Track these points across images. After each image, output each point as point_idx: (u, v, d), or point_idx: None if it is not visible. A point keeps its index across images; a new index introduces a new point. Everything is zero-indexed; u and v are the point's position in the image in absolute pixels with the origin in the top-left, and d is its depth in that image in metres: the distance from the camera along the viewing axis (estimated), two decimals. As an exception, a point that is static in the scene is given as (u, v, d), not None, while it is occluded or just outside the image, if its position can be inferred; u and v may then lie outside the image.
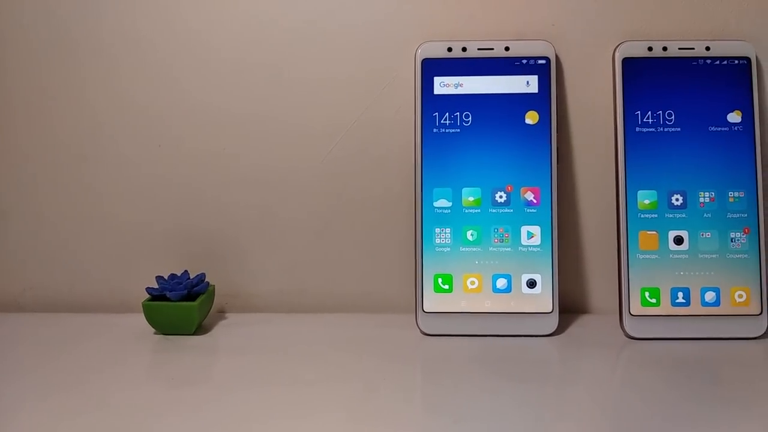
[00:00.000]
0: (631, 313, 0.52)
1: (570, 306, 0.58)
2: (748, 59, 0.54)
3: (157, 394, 0.44)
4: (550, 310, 0.53)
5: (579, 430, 0.40)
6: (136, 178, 0.59)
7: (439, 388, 0.46)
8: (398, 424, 0.41)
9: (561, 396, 0.45)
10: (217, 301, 0.59)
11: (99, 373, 0.47)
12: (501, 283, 0.54)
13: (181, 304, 0.52)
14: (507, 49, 0.54)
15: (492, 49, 0.55)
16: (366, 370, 0.47)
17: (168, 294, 0.52)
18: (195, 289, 0.54)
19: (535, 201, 0.54)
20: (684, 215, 0.53)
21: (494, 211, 0.54)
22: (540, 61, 0.54)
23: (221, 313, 0.59)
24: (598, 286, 0.58)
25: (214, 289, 0.57)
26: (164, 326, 0.53)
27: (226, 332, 0.55)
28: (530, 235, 0.54)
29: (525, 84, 0.54)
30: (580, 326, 0.55)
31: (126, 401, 0.43)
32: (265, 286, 0.59)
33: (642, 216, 0.53)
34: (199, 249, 0.59)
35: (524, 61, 0.54)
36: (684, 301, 0.53)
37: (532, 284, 0.54)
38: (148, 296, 0.54)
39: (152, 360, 0.50)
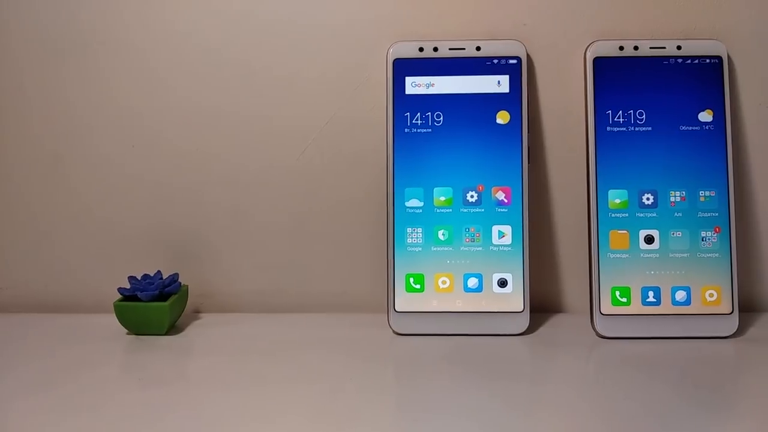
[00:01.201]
0: (602, 312, 0.52)
1: (543, 305, 0.58)
2: (719, 58, 0.54)
3: (124, 395, 0.44)
4: (521, 310, 0.53)
5: (547, 428, 0.40)
6: (111, 177, 0.59)
7: (407, 388, 0.46)
8: (361, 425, 0.41)
9: (531, 395, 0.45)
10: (192, 300, 0.59)
11: (67, 374, 0.47)
12: (472, 282, 0.54)
13: (152, 304, 0.52)
14: (478, 48, 0.54)
15: (463, 49, 0.55)
16: (334, 371, 0.47)
17: (139, 294, 0.53)
18: (167, 289, 0.54)
19: (506, 201, 0.54)
20: (655, 214, 0.53)
21: (465, 210, 0.54)
22: (511, 61, 0.54)
23: (196, 313, 0.59)
24: (571, 286, 0.58)
25: (187, 289, 0.57)
26: (136, 326, 0.53)
27: (198, 332, 0.55)
28: (501, 235, 0.54)
29: (496, 84, 0.54)
30: (551, 325, 0.55)
31: (93, 402, 0.43)
32: (240, 286, 0.60)
33: (613, 215, 0.53)
34: (174, 249, 0.59)
35: (495, 61, 0.54)
36: (655, 300, 0.53)
37: (503, 283, 0.54)
38: (120, 296, 0.54)
39: (121, 360, 0.50)
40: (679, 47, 0.54)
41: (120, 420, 0.41)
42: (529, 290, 0.55)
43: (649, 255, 0.53)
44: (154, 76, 0.58)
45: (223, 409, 0.42)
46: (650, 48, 0.54)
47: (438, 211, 0.54)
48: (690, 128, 0.53)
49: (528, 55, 0.55)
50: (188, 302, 0.59)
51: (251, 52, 0.57)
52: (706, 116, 0.53)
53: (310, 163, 0.58)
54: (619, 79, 0.54)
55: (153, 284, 0.53)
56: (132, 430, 0.40)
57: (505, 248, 0.54)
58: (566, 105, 0.56)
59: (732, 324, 0.52)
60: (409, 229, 0.54)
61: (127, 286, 0.54)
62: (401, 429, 0.41)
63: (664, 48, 0.54)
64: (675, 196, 0.53)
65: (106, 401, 0.43)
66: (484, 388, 0.45)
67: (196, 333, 0.55)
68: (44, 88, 0.59)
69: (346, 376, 0.47)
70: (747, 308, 0.57)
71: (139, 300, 0.53)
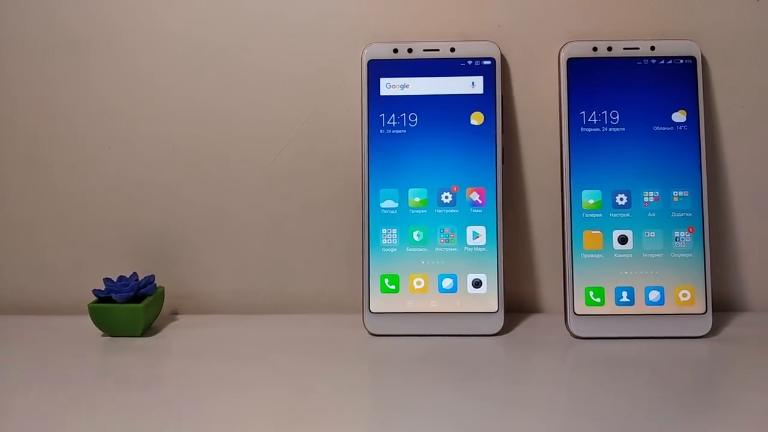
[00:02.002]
0: (576, 312, 0.53)
1: (520, 306, 0.58)
2: (693, 59, 0.54)
3: (95, 396, 0.44)
4: (496, 310, 0.53)
5: (520, 428, 0.40)
6: (88, 178, 0.59)
7: (380, 388, 0.47)
8: (328, 427, 0.41)
9: (505, 395, 0.45)
10: (170, 302, 0.59)
11: (40, 375, 0.47)
12: (447, 283, 0.54)
13: (126, 306, 0.52)
14: (452, 50, 0.55)
15: (437, 50, 0.55)
16: (306, 372, 0.48)
17: (113, 296, 0.53)
18: (142, 290, 0.54)
19: (480, 201, 0.54)
20: (628, 215, 0.53)
21: (440, 211, 0.54)
22: (485, 62, 0.54)
23: (174, 315, 0.59)
24: (548, 286, 0.58)
25: (163, 290, 0.57)
26: (111, 328, 0.53)
27: (174, 334, 0.55)
28: (476, 236, 0.54)
29: (470, 85, 0.54)
30: (526, 326, 0.56)
31: (65, 403, 0.43)
32: (218, 287, 0.60)
33: (586, 216, 0.53)
34: (152, 250, 0.59)
35: (469, 62, 0.55)
36: (628, 300, 0.53)
37: (477, 284, 0.54)
38: (95, 298, 0.54)
39: (94, 362, 0.51)
40: (652, 48, 0.54)
41: (91, 421, 0.41)
42: (506, 290, 0.55)
43: (623, 255, 0.53)
44: (130, 78, 0.58)
45: (191, 411, 0.42)
46: (624, 49, 0.54)
47: (413, 212, 0.54)
48: (664, 129, 0.54)
49: (502, 56, 0.55)
50: (166, 304, 0.59)
51: (227, 54, 0.57)
52: (679, 116, 0.54)
53: (286, 164, 0.58)
54: (592, 80, 0.54)
55: (128, 286, 0.53)
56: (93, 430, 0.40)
57: (480, 249, 0.54)
58: (541, 106, 0.56)
59: (706, 324, 0.52)
60: (384, 230, 0.54)
61: (103, 287, 0.54)
62: (370, 430, 0.41)
63: (638, 49, 0.54)
64: (648, 197, 0.53)
65: (78, 402, 0.43)
66: (458, 388, 0.45)
67: (171, 335, 0.55)
68: (23, 88, 0.59)
69: (317, 378, 0.47)
70: (722, 308, 0.57)
71: (113, 302, 0.53)
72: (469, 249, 0.54)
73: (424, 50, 0.55)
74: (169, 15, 0.57)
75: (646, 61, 0.54)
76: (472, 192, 0.54)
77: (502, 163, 0.54)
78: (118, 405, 0.43)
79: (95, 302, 0.53)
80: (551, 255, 0.57)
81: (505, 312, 0.55)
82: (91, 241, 0.60)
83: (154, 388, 0.46)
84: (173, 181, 0.59)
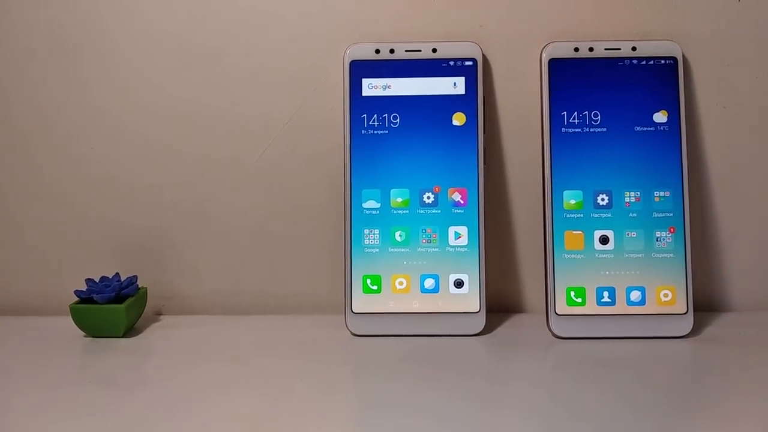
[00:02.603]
0: (557, 312, 0.53)
1: (504, 306, 0.58)
2: (674, 59, 0.54)
3: (73, 396, 0.44)
4: (477, 310, 0.53)
5: (500, 427, 0.40)
6: (71, 179, 0.59)
7: (361, 388, 0.47)
8: (305, 427, 0.41)
9: (486, 394, 0.45)
10: (154, 303, 0.59)
11: (20, 376, 0.47)
12: (429, 283, 0.54)
13: (107, 306, 0.52)
14: (434, 50, 0.55)
15: (419, 50, 0.55)
16: (287, 372, 0.48)
17: (95, 297, 0.53)
18: (124, 291, 0.54)
19: (462, 202, 0.54)
20: (609, 215, 0.53)
21: (422, 211, 0.54)
22: (467, 63, 0.55)
23: (157, 315, 0.59)
24: (531, 286, 0.58)
25: (146, 291, 0.57)
26: (92, 329, 0.53)
27: (156, 335, 0.55)
28: (458, 236, 0.54)
29: (452, 85, 0.55)
30: (508, 326, 0.56)
31: (44, 403, 0.43)
32: (201, 288, 0.60)
33: (567, 216, 0.53)
34: (135, 251, 0.59)
35: (451, 63, 0.55)
36: (609, 300, 0.53)
37: (459, 284, 0.54)
38: (77, 299, 0.54)
39: (75, 362, 0.50)
40: (634, 48, 0.54)
41: (69, 421, 0.41)
42: (489, 291, 0.56)
43: (604, 255, 0.53)
44: (114, 78, 0.58)
45: (170, 411, 0.42)
46: (605, 49, 0.54)
47: (395, 212, 0.54)
48: (645, 129, 0.54)
49: (484, 57, 0.55)
50: (150, 304, 0.59)
51: (211, 54, 0.57)
52: (661, 117, 0.54)
53: (270, 164, 0.58)
54: (574, 81, 0.54)
55: (109, 287, 0.53)
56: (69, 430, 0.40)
57: (462, 249, 0.54)
58: (523, 106, 0.56)
59: (687, 324, 0.52)
60: (366, 231, 0.54)
61: (85, 288, 0.54)
62: (349, 430, 0.41)
63: (619, 49, 0.54)
64: (630, 197, 0.53)
65: (58, 403, 0.43)
66: (438, 388, 0.45)
67: (153, 335, 0.55)
68: (8, 88, 0.59)
69: (297, 378, 0.47)
70: (705, 308, 0.57)
71: (95, 302, 0.53)
72: (451, 249, 0.54)
73: (406, 51, 0.55)
74: (153, 16, 0.57)
75: (627, 62, 0.54)
76: (454, 192, 0.54)
77: (484, 163, 0.54)
78: (97, 405, 0.43)
79: (77, 303, 0.53)
80: (534, 255, 0.57)
81: (489, 312, 0.56)
82: (75, 241, 0.60)
83: (133, 388, 0.46)
84: (157, 181, 0.59)
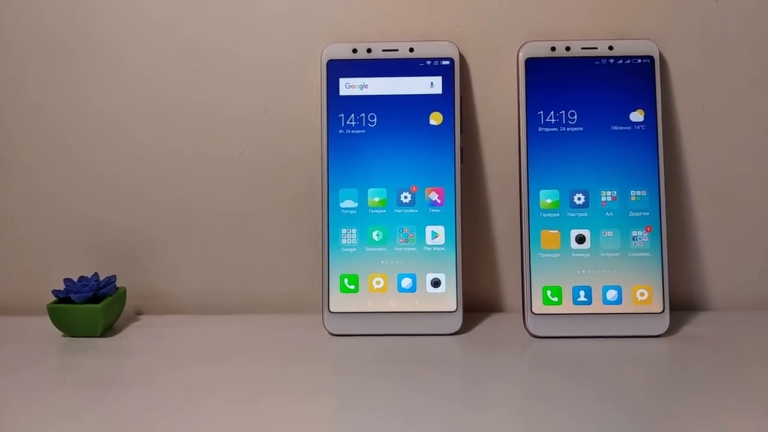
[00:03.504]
0: (533, 311, 0.53)
1: (483, 305, 0.59)
2: (651, 58, 0.54)
3: (48, 396, 0.45)
4: (454, 309, 0.54)
5: (474, 426, 0.41)
6: (50, 179, 0.59)
7: (336, 388, 0.47)
8: (276, 427, 0.41)
9: (461, 393, 0.45)
10: (135, 302, 0.59)
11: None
12: (406, 282, 0.54)
13: (84, 306, 0.53)
14: (411, 50, 0.55)
15: (396, 50, 0.55)
16: (261, 372, 0.48)
17: (72, 296, 0.53)
18: (101, 291, 0.54)
19: (439, 201, 0.54)
20: (586, 214, 0.53)
21: (399, 211, 0.54)
22: (444, 62, 0.55)
23: (137, 315, 0.60)
24: (510, 285, 0.58)
25: (125, 291, 0.57)
26: (70, 329, 0.53)
27: (135, 334, 0.55)
28: (434, 235, 0.54)
29: (429, 85, 0.55)
30: (486, 325, 0.56)
31: (17, 402, 0.44)
32: (182, 288, 0.60)
33: (544, 215, 0.53)
34: (115, 251, 0.59)
35: (428, 62, 0.55)
36: (586, 299, 0.53)
37: (436, 283, 0.54)
38: (55, 298, 0.54)
39: (51, 362, 0.51)
40: (611, 47, 0.54)
41: (44, 420, 0.41)
42: (468, 290, 0.56)
43: (581, 254, 0.53)
44: (92, 79, 0.58)
45: (143, 411, 0.42)
46: (582, 48, 0.54)
47: (372, 211, 0.54)
48: (621, 128, 0.54)
49: (461, 56, 0.55)
50: (130, 304, 0.59)
51: (189, 54, 0.57)
52: (637, 116, 0.54)
53: (249, 164, 0.58)
54: (550, 80, 0.54)
55: (87, 286, 0.54)
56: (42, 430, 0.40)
57: (439, 248, 0.54)
58: (500, 105, 0.56)
59: (663, 323, 0.53)
60: (343, 230, 0.54)
61: (63, 288, 0.54)
62: (321, 430, 0.41)
63: (596, 48, 0.54)
64: (606, 196, 0.53)
65: (31, 402, 0.44)
66: (413, 387, 0.45)
67: (132, 335, 0.55)
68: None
69: (271, 378, 0.47)
70: (684, 307, 0.58)
71: (73, 302, 0.53)
72: (428, 249, 0.54)
73: (383, 50, 0.55)
74: (131, 16, 0.57)
75: (604, 61, 0.54)
76: (431, 192, 0.54)
77: (461, 163, 0.54)
78: (72, 405, 0.43)
79: (54, 303, 0.53)
80: (512, 254, 0.57)
81: (468, 311, 0.56)
82: (55, 241, 0.60)
83: (108, 388, 0.46)
84: (137, 181, 0.59)
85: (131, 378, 0.48)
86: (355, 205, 0.54)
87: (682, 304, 0.58)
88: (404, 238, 0.54)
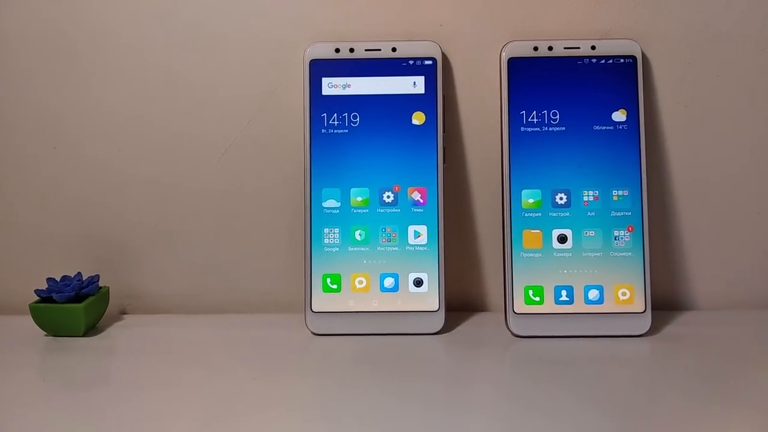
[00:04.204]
0: (515, 311, 0.53)
1: (467, 305, 0.59)
2: (633, 58, 0.54)
3: (26, 395, 0.45)
4: (437, 309, 0.54)
5: (454, 425, 0.41)
6: (34, 179, 0.59)
7: (315, 388, 0.47)
8: (250, 427, 0.41)
9: (442, 392, 0.45)
10: (119, 302, 0.59)
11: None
12: (388, 282, 0.54)
13: (66, 306, 0.53)
14: (394, 49, 0.55)
15: (379, 50, 0.55)
16: (242, 372, 0.48)
17: (54, 296, 0.53)
18: (84, 290, 0.54)
19: (421, 201, 0.54)
20: (568, 214, 0.53)
21: (382, 211, 0.54)
22: (426, 62, 0.55)
23: (121, 315, 0.60)
24: (493, 285, 0.58)
25: (108, 290, 0.57)
26: (52, 328, 0.53)
27: (118, 334, 0.55)
28: (417, 235, 0.54)
29: (412, 85, 0.55)
30: (468, 325, 0.56)
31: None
32: (166, 287, 0.60)
33: (526, 215, 0.53)
34: (100, 250, 0.59)
35: (411, 62, 0.55)
36: (568, 299, 0.53)
37: (418, 283, 0.54)
38: (38, 298, 0.54)
39: (33, 361, 0.51)
40: (593, 47, 0.54)
41: (21, 420, 0.41)
42: (452, 290, 0.56)
43: (562, 254, 0.53)
44: (75, 81, 0.58)
45: (118, 410, 0.42)
46: (565, 48, 0.54)
47: (355, 211, 0.54)
48: (604, 128, 0.54)
49: (444, 56, 0.55)
50: (115, 304, 0.59)
51: (171, 54, 0.57)
52: (619, 116, 0.54)
53: (232, 164, 0.58)
54: (533, 80, 0.54)
55: (69, 286, 0.54)
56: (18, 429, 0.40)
57: (421, 248, 0.54)
58: (483, 105, 0.56)
59: (645, 323, 0.53)
60: (326, 230, 0.54)
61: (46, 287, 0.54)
62: (297, 430, 0.41)
63: (579, 48, 0.54)
64: (588, 196, 0.53)
65: (6, 402, 0.44)
66: (394, 387, 0.45)
67: (115, 334, 0.55)
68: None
69: (250, 377, 0.47)
70: (667, 307, 0.58)
71: (55, 302, 0.53)
72: (411, 248, 0.54)
73: (366, 50, 0.55)
74: (112, 17, 0.57)
75: (586, 61, 0.54)
76: (413, 191, 0.54)
77: (444, 162, 0.54)
78: (52, 404, 0.43)
79: (36, 302, 0.53)
80: (496, 254, 0.57)
81: (452, 311, 0.56)
82: (39, 241, 0.60)
83: (88, 387, 0.46)
84: (120, 181, 0.59)
85: (111, 377, 0.48)
86: (338, 204, 0.54)
87: (666, 304, 0.58)
88: (387, 237, 0.54)
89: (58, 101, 0.58)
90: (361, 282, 0.54)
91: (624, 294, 0.53)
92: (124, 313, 0.60)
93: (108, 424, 0.41)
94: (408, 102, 0.54)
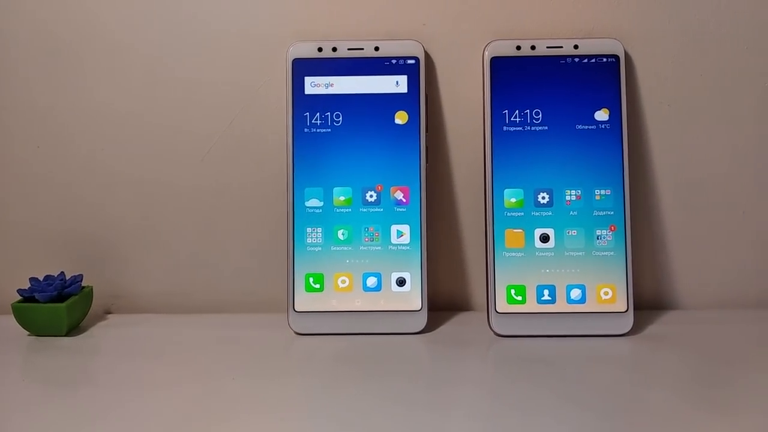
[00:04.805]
0: (497, 310, 0.53)
1: (451, 304, 0.59)
2: (616, 57, 0.54)
3: (5, 394, 0.45)
4: (419, 308, 0.54)
5: (433, 424, 0.41)
6: (17, 178, 0.59)
7: (296, 387, 0.46)
8: (230, 426, 0.41)
9: (425, 393, 0.45)
10: (103, 302, 0.59)
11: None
12: (371, 281, 0.54)
13: (48, 305, 0.53)
14: (377, 49, 0.55)
15: (362, 49, 0.55)
16: (222, 371, 0.48)
17: (36, 295, 0.53)
18: (66, 290, 0.54)
19: (404, 200, 0.54)
20: (550, 213, 0.53)
21: (365, 210, 0.54)
22: (409, 61, 0.55)
23: (106, 314, 0.60)
24: (477, 284, 0.58)
25: (91, 290, 0.57)
26: (35, 328, 0.53)
27: (101, 333, 0.55)
28: (400, 234, 0.54)
29: (394, 84, 0.55)
30: (451, 324, 0.56)
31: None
32: (150, 287, 0.60)
33: (508, 214, 0.53)
34: (83, 250, 0.59)
35: (393, 61, 0.55)
36: (550, 298, 0.53)
37: (401, 282, 0.54)
38: (20, 297, 0.54)
39: (14, 360, 0.51)
40: (576, 46, 0.54)
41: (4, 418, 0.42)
42: (436, 289, 0.56)
43: (545, 253, 0.53)
44: (59, 80, 0.58)
45: (95, 408, 0.43)
46: (547, 47, 0.54)
47: (337, 210, 0.54)
48: (586, 127, 0.54)
49: (427, 55, 0.55)
50: (99, 303, 0.59)
51: (154, 54, 0.57)
52: (602, 115, 0.54)
53: (216, 164, 0.58)
54: (515, 79, 0.54)
55: (51, 285, 0.54)
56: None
57: (404, 247, 0.54)
58: (465, 104, 0.56)
59: (627, 322, 0.53)
60: (308, 229, 0.54)
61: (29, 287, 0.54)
62: (274, 430, 0.41)
63: (561, 47, 0.54)
64: (570, 195, 0.53)
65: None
66: (377, 387, 0.45)
67: (98, 334, 0.55)
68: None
69: (230, 377, 0.47)
70: (651, 306, 0.58)
71: (37, 301, 0.53)
72: (393, 248, 0.54)
73: (349, 49, 0.55)
74: (97, 16, 0.57)
75: (569, 60, 0.54)
76: (396, 191, 0.54)
77: (426, 162, 0.54)
78: (31, 403, 0.43)
79: (19, 302, 0.53)
80: (480, 253, 0.57)
81: (436, 310, 0.56)
82: (23, 241, 0.60)
83: (70, 386, 0.46)
84: (104, 180, 0.59)
85: (92, 376, 0.48)
86: (321, 204, 0.54)
87: (650, 304, 0.58)
88: (369, 237, 0.54)
89: (43, 101, 0.58)
90: (343, 281, 0.54)
91: (606, 293, 0.53)
92: (109, 313, 0.60)
93: (87, 423, 0.41)
94: (391, 101, 0.54)
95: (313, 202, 0.54)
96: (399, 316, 0.54)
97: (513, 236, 0.53)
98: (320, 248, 0.54)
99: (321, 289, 0.54)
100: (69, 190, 0.59)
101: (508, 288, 0.53)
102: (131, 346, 0.53)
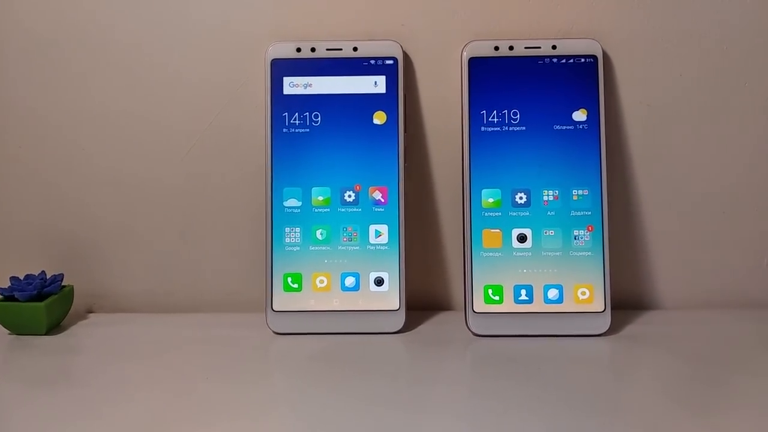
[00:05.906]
0: (475, 310, 0.53)
1: (431, 303, 0.59)
2: (594, 57, 0.54)
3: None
4: (397, 308, 0.54)
5: (413, 423, 0.41)
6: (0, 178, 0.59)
7: (272, 387, 0.47)
8: (196, 426, 0.41)
9: (403, 392, 0.45)
10: (85, 301, 0.60)
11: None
12: (349, 281, 0.54)
13: (28, 304, 0.53)
14: (355, 49, 0.55)
15: (340, 49, 0.55)
16: (196, 371, 0.48)
17: (16, 294, 0.53)
18: (46, 289, 0.54)
19: (382, 200, 0.54)
20: (528, 213, 0.53)
21: (343, 210, 0.55)
22: (388, 62, 0.55)
23: (88, 313, 0.60)
24: (456, 284, 0.58)
25: (71, 289, 0.57)
26: (15, 326, 0.54)
27: (81, 332, 0.55)
28: (378, 234, 0.54)
29: (373, 84, 0.55)
30: (429, 324, 0.56)
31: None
32: (132, 287, 0.60)
33: (486, 214, 0.53)
34: (65, 249, 0.59)
35: (372, 62, 0.55)
36: (527, 298, 0.53)
37: (379, 282, 0.54)
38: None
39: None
40: (554, 47, 0.54)
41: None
42: (416, 289, 0.56)
43: (522, 254, 0.53)
44: (40, 78, 0.58)
45: (69, 408, 0.43)
46: (525, 48, 0.54)
47: (316, 210, 0.55)
48: (564, 128, 0.54)
49: (405, 56, 0.56)
50: (81, 303, 0.59)
51: (134, 54, 0.57)
52: (580, 115, 0.54)
53: (195, 164, 0.58)
54: (493, 79, 0.54)
55: (31, 284, 0.54)
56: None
57: (382, 247, 0.54)
58: (444, 105, 0.56)
59: (604, 322, 0.53)
60: (287, 229, 0.55)
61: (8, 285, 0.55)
62: (247, 429, 0.41)
63: (540, 48, 0.54)
64: (548, 195, 0.53)
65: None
66: (354, 386, 0.45)
67: (79, 333, 0.55)
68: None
69: (203, 377, 0.47)
70: (630, 306, 0.58)
71: (17, 300, 0.53)
72: (372, 247, 0.54)
73: (327, 49, 0.55)
74: (78, 15, 0.57)
75: (547, 60, 0.54)
76: (374, 191, 0.54)
77: (405, 162, 0.54)
78: (12, 401, 0.44)
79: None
80: (458, 253, 0.57)
81: (416, 310, 0.56)
82: (4, 240, 0.60)
83: (47, 385, 0.46)
84: (85, 180, 0.59)
85: (71, 375, 0.48)
86: (299, 204, 0.55)
87: (629, 304, 0.58)
88: (348, 237, 0.54)
89: (23, 101, 0.58)
90: (322, 281, 0.54)
91: (584, 293, 0.53)
92: (90, 312, 0.60)
93: (65, 422, 0.41)
94: (369, 101, 0.55)
95: (292, 202, 0.55)
96: (377, 315, 0.54)
97: (490, 236, 0.53)
98: (299, 248, 0.54)
99: (299, 289, 0.54)
100: (50, 189, 0.59)
101: (486, 288, 0.53)
102: (112, 345, 0.53)
